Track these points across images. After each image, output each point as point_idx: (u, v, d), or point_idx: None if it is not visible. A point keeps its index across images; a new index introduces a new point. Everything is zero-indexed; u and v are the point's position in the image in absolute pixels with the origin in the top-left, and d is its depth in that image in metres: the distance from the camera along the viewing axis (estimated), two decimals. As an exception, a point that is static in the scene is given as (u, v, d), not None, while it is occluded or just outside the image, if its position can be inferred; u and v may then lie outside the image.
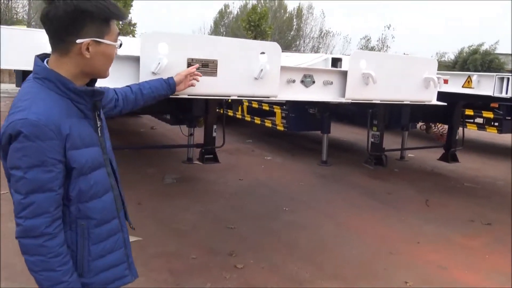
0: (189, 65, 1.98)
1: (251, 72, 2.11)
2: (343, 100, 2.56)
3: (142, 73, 1.90)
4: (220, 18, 50.48)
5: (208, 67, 2.00)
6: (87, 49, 1.28)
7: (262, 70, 2.09)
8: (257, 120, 8.21)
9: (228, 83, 2.07)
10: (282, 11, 48.49)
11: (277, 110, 7.56)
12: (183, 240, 3.79)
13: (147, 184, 5.34)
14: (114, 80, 1.88)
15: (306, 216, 4.50)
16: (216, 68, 2.02)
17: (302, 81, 2.40)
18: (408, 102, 2.81)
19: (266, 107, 7.89)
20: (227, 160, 6.77)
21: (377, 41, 39.98)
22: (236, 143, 8.36)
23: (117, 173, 1.57)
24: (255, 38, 25.79)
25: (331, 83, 2.55)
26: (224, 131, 5.75)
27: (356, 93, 2.56)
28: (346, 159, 7.28)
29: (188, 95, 1.99)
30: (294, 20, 49.54)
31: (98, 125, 1.42)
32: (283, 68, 2.27)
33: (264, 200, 4.99)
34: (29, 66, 1.31)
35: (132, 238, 3.82)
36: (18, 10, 33.64)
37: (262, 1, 44.47)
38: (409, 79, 2.72)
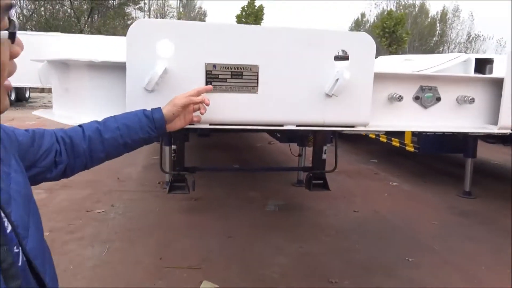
0: (208, 74, 1.22)
1: (320, 84, 1.26)
2: (493, 130, 1.52)
3: (129, 91, 1.20)
4: (356, 27, 49.09)
5: (241, 77, 1.22)
6: None
7: (338, 80, 1.23)
8: (383, 138, 7.07)
9: (277, 104, 1.25)
10: (423, 16, 45.14)
11: (407, 127, 6.34)
12: (268, 293, 3.03)
13: (245, 211, 4.72)
14: (82, 107, 1.22)
15: (436, 273, 3.35)
16: (257, 79, 1.23)
17: (416, 98, 1.45)
18: None
19: (393, 123, 6.70)
20: (344, 185, 5.85)
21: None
22: (357, 163, 7.35)
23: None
24: (389, 45, 23.92)
25: (472, 100, 1.53)
26: (336, 152, 4.85)
27: (520, 117, 1.49)
28: (497, 191, 5.72)
29: (210, 124, 1.24)
30: (437, 24, 45.82)
31: None
32: (380, 77, 1.35)
33: (382, 243, 3.95)
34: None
35: (206, 284, 3.22)
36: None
37: (401, 7, 41.92)
38: None
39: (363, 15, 48.63)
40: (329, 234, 4.13)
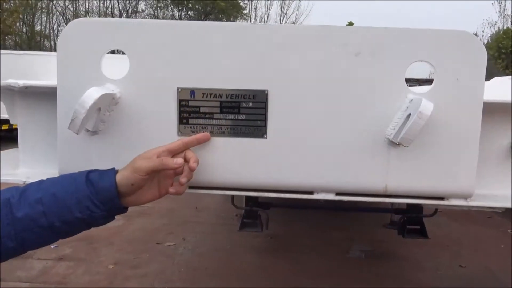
0: (183, 106, 0.75)
1: (377, 123, 0.72)
2: None
3: (61, 132, 0.77)
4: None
5: (239, 111, 0.73)
6: None
7: (409, 116, 0.67)
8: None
9: (299, 157, 0.73)
10: (550, 34, 40.42)
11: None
12: None
13: (324, 255, 4.13)
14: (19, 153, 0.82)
15: None
16: (265, 114, 0.73)
17: None
18: None
19: None
20: (447, 230, 4.95)
21: None
22: (465, 203, 6.30)
23: None
24: (506, 67, 21.36)
25: None
26: (437, 193, 4.10)
27: None
28: None
29: (190, 188, 0.77)
30: None
31: None
32: (494, 110, 0.76)
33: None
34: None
35: None
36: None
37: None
38: None
39: (475, 35, 44.98)
40: (425, 295, 3.37)
